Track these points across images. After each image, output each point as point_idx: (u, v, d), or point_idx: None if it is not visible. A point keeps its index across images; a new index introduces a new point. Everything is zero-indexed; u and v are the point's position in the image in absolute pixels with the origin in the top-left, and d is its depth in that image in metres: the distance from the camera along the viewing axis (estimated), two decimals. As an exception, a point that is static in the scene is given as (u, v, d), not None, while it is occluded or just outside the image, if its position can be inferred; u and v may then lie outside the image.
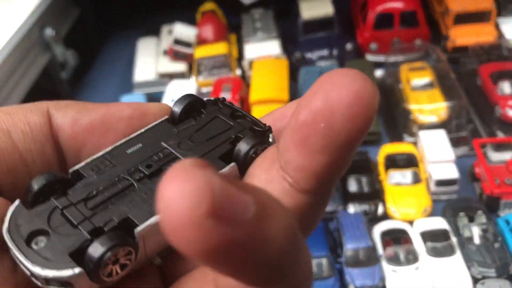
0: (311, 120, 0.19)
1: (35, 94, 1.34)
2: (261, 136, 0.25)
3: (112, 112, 0.26)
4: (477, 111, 1.25)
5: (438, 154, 1.10)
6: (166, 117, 0.27)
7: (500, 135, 1.17)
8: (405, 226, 1.03)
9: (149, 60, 1.46)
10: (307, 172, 0.20)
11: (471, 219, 1.03)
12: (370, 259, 0.98)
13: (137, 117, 0.26)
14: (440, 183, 1.08)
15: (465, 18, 1.35)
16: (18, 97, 1.24)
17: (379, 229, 1.03)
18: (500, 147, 1.15)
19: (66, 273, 0.20)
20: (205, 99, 0.29)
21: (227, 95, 1.30)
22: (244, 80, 1.39)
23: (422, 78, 1.24)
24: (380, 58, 1.39)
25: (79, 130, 0.25)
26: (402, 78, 1.27)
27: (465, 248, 0.97)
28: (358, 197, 1.09)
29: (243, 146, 0.24)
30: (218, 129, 0.26)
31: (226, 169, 0.24)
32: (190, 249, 0.14)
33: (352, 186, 1.11)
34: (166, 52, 1.45)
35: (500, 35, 1.35)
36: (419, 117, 1.19)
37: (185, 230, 0.14)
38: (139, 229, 0.21)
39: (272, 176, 0.21)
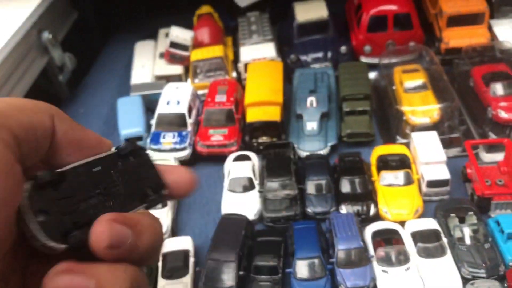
0: None
1: (34, 95, 1.35)
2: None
3: (87, 138, 0.36)
4: (470, 112, 1.26)
5: (430, 156, 1.11)
6: (115, 151, 0.37)
7: (492, 136, 1.17)
8: (396, 227, 1.04)
9: (146, 63, 1.48)
10: None
11: (462, 220, 1.04)
12: (361, 259, 0.99)
13: (99, 148, 0.37)
14: (432, 184, 1.09)
15: (458, 20, 1.36)
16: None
17: (370, 229, 1.04)
18: (492, 148, 1.17)
19: (55, 245, 0.31)
20: (139, 147, 0.39)
21: (222, 97, 1.31)
22: (240, 82, 1.40)
23: (415, 80, 1.25)
24: (374, 60, 1.40)
25: (66, 141, 0.35)
26: (396, 80, 1.28)
27: (456, 249, 0.98)
28: (351, 198, 1.10)
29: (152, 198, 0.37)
30: (141, 174, 0.38)
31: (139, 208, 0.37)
32: (104, 256, 0.31)
33: (345, 187, 1.12)
34: (162, 55, 1.46)
35: (493, 37, 1.36)
36: (412, 119, 1.20)
37: (100, 251, 0.31)
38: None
39: None
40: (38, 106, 0.34)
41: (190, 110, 1.30)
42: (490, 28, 1.38)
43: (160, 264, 1.03)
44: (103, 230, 0.31)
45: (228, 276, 0.97)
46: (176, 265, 1.02)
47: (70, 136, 0.35)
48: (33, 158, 0.33)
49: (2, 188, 0.29)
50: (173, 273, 1.01)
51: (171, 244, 1.06)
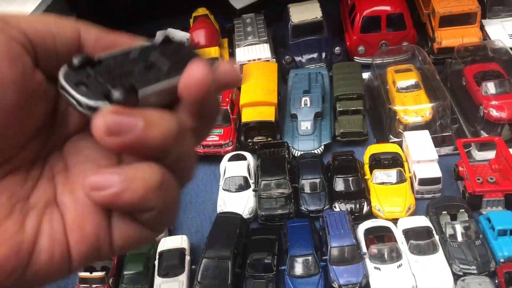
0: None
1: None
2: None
3: (121, 39, 0.36)
4: (462, 111, 1.27)
5: (422, 154, 1.13)
6: (149, 43, 0.37)
7: (484, 135, 1.19)
8: (389, 225, 1.06)
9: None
10: None
11: (454, 217, 1.06)
12: (354, 257, 1.00)
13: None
14: (424, 182, 1.10)
15: (450, 20, 1.37)
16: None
17: (363, 227, 1.06)
18: (483, 146, 1.18)
19: (101, 103, 0.31)
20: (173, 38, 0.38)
21: (218, 98, 1.32)
22: (235, 83, 1.42)
23: (408, 79, 1.27)
24: (368, 61, 1.41)
25: (99, 45, 0.35)
26: (388, 80, 1.29)
27: (447, 246, 1.00)
28: (344, 196, 1.12)
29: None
30: (181, 56, 0.36)
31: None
32: (105, 146, 0.30)
33: (339, 186, 1.13)
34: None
35: (485, 36, 1.38)
36: (404, 118, 1.21)
37: (100, 139, 0.29)
38: (141, 93, 0.33)
39: None
40: (59, 19, 0.34)
41: (186, 111, 1.31)
42: (482, 28, 1.39)
43: (156, 262, 1.04)
44: (102, 115, 0.29)
45: (224, 273, 0.99)
46: (172, 263, 1.04)
47: (102, 43, 0.35)
48: (55, 68, 0.33)
49: (7, 71, 0.29)
50: (169, 271, 1.03)
51: (167, 243, 1.07)
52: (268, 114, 1.28)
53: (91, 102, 0.31)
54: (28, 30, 0.32)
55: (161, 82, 0.34)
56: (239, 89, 1.38)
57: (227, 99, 1.32)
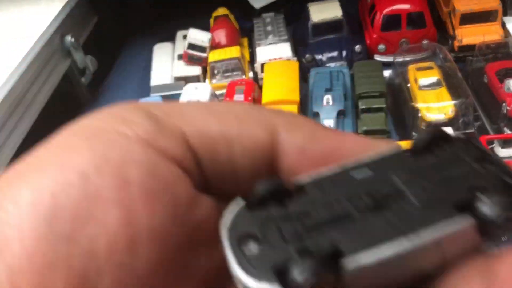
0: None
1: (56, 97, 1.40)
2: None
3: (343, 148, 0.23)
4: (484, 108, 1.28)
5: (445, 151, 1.13)
6: (406, 149, 0.24)
7: (507, 132, 1.19)
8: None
9: (165, 64, 1.52)
10: None
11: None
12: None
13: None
14: (448, 179, 1.11)
15: (471, 17, 1.38)
16: (41, 102, 1.31)
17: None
18: (507, 143, 1.18)
19: (265, 286, 0.19)
20: (451, 134, 0.24)
21: (240, 97, 1.34)
22: (257, 82, 1.44)
23: (429, 77, 1.27)
24: (389, 59, 1.42)
25: (304, 161, 0.22)
26: (410, 78, 1.30)
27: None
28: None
29: (488, 209, 0.19)
30: (458, 172, 0.21)
31: (457, 224, 0.19)
32: None
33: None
34: (181, 57, 1.50)
35: (507, 33, 1.38)
36: (427, 115, 1.22)
37: None
38: (350, 265, 0.18)
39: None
40: (248, 113, 0.23)
41: (209, 110, 1.33)
42: (503, 25, 1.39)
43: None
44: None
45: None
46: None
47: (314, 149, 0.23)
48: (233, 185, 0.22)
49: (143, 220, 0.18)
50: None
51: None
52: (290, 112, 1.29)
53: (249, 282, 0.19)
54: (193, 136, 0.21)
55: (409, 237, 0.18)
56: (260, 88, 1.39)
57: (249, 98, 1.33)
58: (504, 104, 1.20)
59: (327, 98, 1.32)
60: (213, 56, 1.44)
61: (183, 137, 0.21)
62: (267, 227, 0.20)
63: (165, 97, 1.41)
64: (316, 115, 1.30)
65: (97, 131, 0.20)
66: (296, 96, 1.32)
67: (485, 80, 1.30)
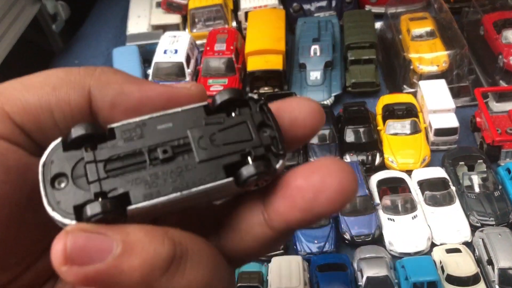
0: (304, 188, 0.25)
1: (24, 48, 1.30)
2: (268, 166, 0.26)
3: (148, 96, 0.26)
4: (479, 62, 1.21)
5: (438, 103, 1.07)
6: (205, 103, 0.27)
7: (503, 85, 1.13)
8: (403, 176, 1.01)
9: (142, 12, 1.42)
10: (282, 217, 0.26)
11: (471, 168, 1.01)
12: (366, 208, 0.95)
13: (172, 103, 0.27)
14: (440, 132, 1.05)
15: (469, -34, 1.30)
16: (4, 49, 1.20)
17: (376, 178, 1.01)
18: (502, 97, 1.12)
19: (65, 221, 0.24)
20: (247, 97, 0.27)
21: (222, 46, 1.26)
22: (240, 32, 1.35)
23: (423, 27, 1.20)
24: (380, 10, 1.34)
25: (116, 113, 0.26)
26: (402, 28, 1.23)
27: (465, 197, 0.95)
28: (356, 148, 1.07)
29: (246, 171, 0.25)
30: (238, 136, 0.26)
31: (222, 182, 0.25)
32: (64, 279, 0.22)
33: (349, 137, 1.08)
34: (159, 4, 1.40)
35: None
36: (419, 67, 1.15)
37: (57, 269, 0.22)
38: (130, 207, 0.24)
39: (255, 206, 0.27)
40: (60, 80, 0.26)
41: (188, 60, 1.25)
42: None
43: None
44: (63, 236, 0.22)
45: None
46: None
47: (123, 103, 0.26)
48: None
49: None
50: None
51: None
52: (275, 62, 1.21)
53: (56, 216, 0.23)
54: (14, 112, 0.25)
55: (184, 186, 0.24)
56: (244, 38, 1.31)
57: (232, 47, 1.25)
58: (500, 56, 1.14)
59: (315, 48, 1.24)
60: (194, 2, 1.35)
61: (7, 116, 0.25)
62: (76, 168, 0.24)
63: (141, 46, 1.32)
64: (302, 66, 1.22)
65: None
66: (282, 46, 1.24)
67: (481, 32, 1.23)
